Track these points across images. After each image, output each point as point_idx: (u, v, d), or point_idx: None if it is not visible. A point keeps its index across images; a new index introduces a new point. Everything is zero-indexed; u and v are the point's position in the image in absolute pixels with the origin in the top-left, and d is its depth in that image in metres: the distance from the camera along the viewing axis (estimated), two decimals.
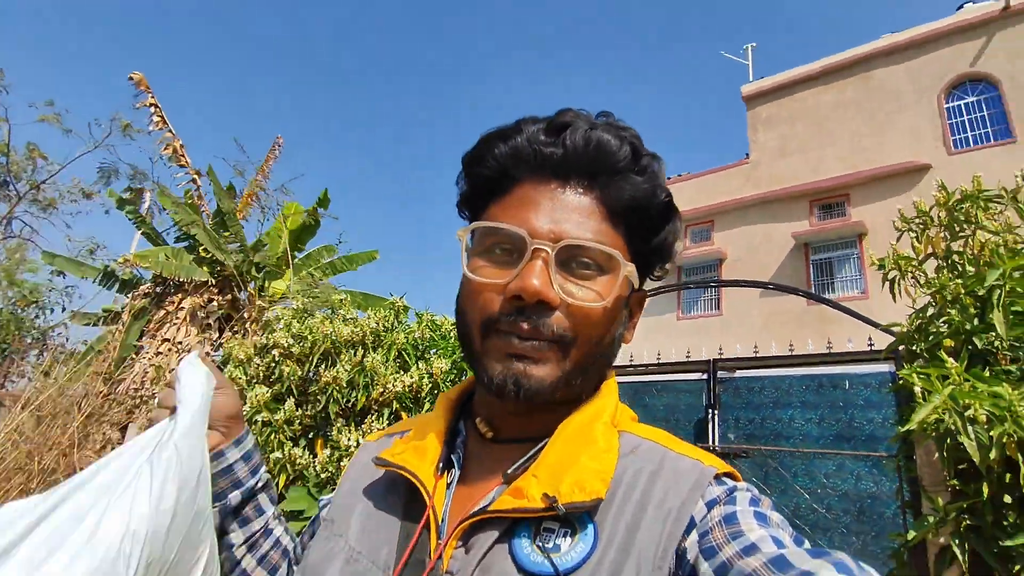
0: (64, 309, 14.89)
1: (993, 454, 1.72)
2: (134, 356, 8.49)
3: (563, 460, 0.53)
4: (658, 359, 6.41)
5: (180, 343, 8.47)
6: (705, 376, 5.50)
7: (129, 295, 9.45)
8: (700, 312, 14.99)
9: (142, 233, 10.02)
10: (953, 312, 2.11)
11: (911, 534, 1.99)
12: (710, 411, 5.36)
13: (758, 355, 5.51)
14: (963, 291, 2.09)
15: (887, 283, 2.50)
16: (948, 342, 2.08)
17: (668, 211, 0.61)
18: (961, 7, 14.34)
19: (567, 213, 0.56)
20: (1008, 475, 1.79)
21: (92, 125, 14.05)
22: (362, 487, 0.65)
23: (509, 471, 0.56)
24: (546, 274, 0.53)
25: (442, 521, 0.56)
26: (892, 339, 2.63)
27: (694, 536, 0.47)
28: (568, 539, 0.49)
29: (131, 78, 9.49)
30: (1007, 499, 1.80)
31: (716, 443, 5.06)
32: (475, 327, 0.57)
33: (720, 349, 6.60)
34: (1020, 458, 1.71)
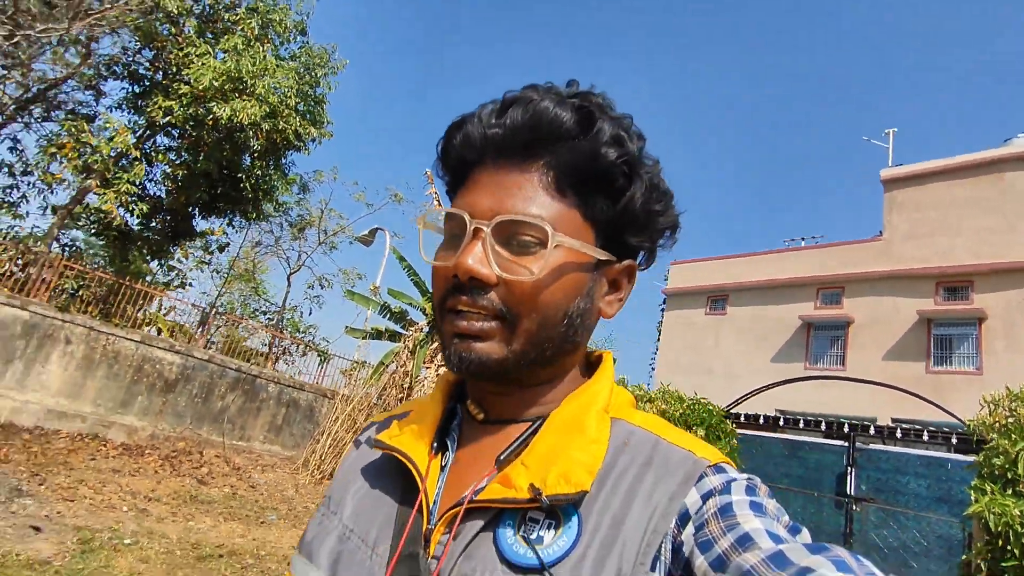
0: (311, 312, 20.05)
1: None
2: (415, 377, 12.54)
3: (553, 450, 0.53)
4: (795, 420, 9.77)
5: None
6: (846, 444, 8.95)
7: (400, 324, 13.65)
8: (826, 365, 17.71)
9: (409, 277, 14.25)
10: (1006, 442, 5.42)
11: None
12: (849, 468, 8.78)
13: (887, 428, 8.84)
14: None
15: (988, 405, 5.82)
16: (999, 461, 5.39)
17: (625, 170, 0.57)
18: None
19: (508, 190, 0.56)
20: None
21: (375, 191, 19.61)
22: (361, 466, 0.66)
23: (501, 456, 0.56)
24: (483, 252, 0.54)
25: (434, 503, 0.57)
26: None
27: (690, 529, 0.47)
28: (552, 531, 0.50)
29: (425, 174, 13.83)
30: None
31: (852, 491, 8.47)
32: (436, 311, 0.59)
33: (850, 423, 9.79)
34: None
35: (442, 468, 0.60)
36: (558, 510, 0.51)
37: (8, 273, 10.42)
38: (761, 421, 10.65)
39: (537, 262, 0.54)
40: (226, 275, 17.19)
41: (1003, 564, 5.11)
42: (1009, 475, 5.50)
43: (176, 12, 10.61)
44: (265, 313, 18.79)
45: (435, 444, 0.61)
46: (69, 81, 11.53)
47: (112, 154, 10.74)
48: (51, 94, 11.77)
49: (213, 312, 13.29)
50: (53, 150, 10.97)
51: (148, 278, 13.91)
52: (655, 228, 0.62)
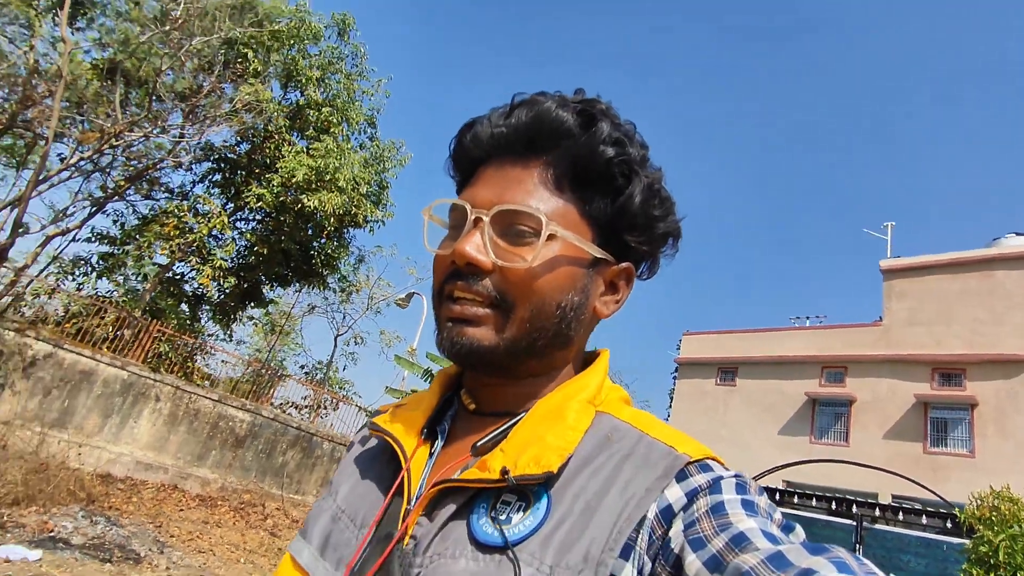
0: (345, 368, 21.41)
1: None
2: None
3: (530, 437, 0.54)
4: (807, 495, 10.97)
5: None
6: (854, 523, 10.20)
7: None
8: (830, 440, 18.88)
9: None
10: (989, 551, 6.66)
11: None
12: (857, 546, 9.99)
13: (891, 507, 10.08)
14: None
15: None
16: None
17: (624, 170, 0.60)
18: None
19: (509, 183, 0.59)
20: None
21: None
22: (359, 453, 0.69)
23: (479, 443, 0.58)
24: (481, 240, 0.56)
25: (419, 488, 0.57)
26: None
27: (678, 526, 0.47)
28: (521, 512, 0.51)
29: None
30: None
31: None
32: (434, 298, 0.61)
33: (854, 495, 10.98)
34: None
35: (430, 455, 0.61)
36: (529, 492, 0.52)
37: (111, 335, 11.76)
38: (776, 497, 11.87)
39: (532, 251, 0.56)
40: (277, 333, 18.59)
41: None
42: (992, 561, 6.73)
43: (274, 114, 12.37)
44: (303, 367, 20.09)
45: (425, 431, 0.63)
46: (165, 161, 13.20)
47: (210, 234, 12.32)
48: (151, 174, 13.42)
49: (278, 372, 14.55)
50: (157, 228, 12.52)
51: (207, 336, 15.27)
52: (654, 232, 0.63)
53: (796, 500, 11.85)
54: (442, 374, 0.71)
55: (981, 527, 7.15)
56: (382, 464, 0.64)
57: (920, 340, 18.26)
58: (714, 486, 0.49)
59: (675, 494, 0.49)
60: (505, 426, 0.59)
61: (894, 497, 15.12)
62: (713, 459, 0.54)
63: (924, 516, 11.46)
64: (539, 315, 0.57)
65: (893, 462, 16.82)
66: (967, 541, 8.56)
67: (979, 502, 7.54)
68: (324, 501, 0.65)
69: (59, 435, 10.43)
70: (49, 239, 12.53)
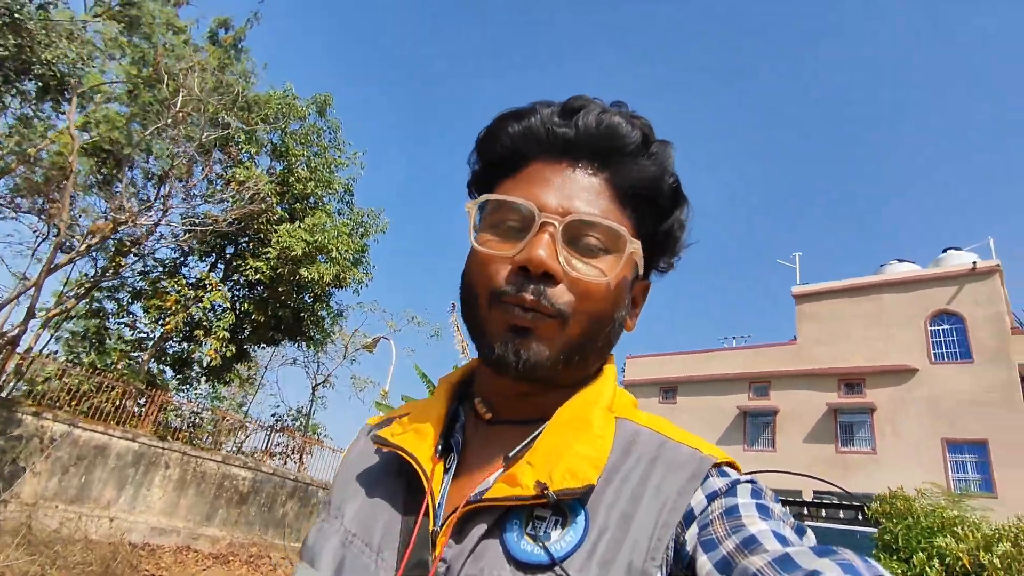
0: (314, 412, 22.30)
1: None
2: None
3: (558, 447, 0.53)
4: None
5: None
6: None
7: None
8: (760, 447, 21.63)
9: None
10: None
11: None
12: None
13: (813, 503, 12.47)
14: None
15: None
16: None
17: (676, 197, 0.63)
18: (946, 251, 21.46)
19: (576, 191, 0.57)
20: None
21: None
22: (360, 469, 0.65)
23: (510, 455, 0.56)
24: (552, 247, 0.54)
25: (439, 507, 0.55)
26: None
27: (694, 528, 0.47)
28: (560, 528, 0.49)
29: (451, 305, 16.87)
30: None
31: None
32: (481, 299, 0.57)
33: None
34: None
35: (446, 470, 0.59)
36: (564, 507, 0.50)
37: (121, 408, 12.39)
38: None
39: (604, 265, 0.56)
40: (256, 386, 19.15)
41: None
42: (894, 547, 9.07)
43: (268, 194, 13.50)
44: (274, 415, 20.75)
45: (439, 446, 0.60)
46: (162, 238, 13.95)
47: (211, 307, 13.27)
48: (146, 250, 14.16)
49: (273, 430, 15.42)
50: (158, 302, 13.33)
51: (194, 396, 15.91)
52: (679, 255, 0.66)
53: None
54: (445, 382, 0.68)
55: (884, 519, 9.48)
56: (391, 480, 0.61)
57: (828, 355, 21.38)
58: (730, 490, 0.51)
59: (697, 498, 0.50)
60: (531, 436, 0.57)
61: (815, 494, 17.76)
62: (731, 463, 0.55)
63: (841, 511, 13.96)
64: (598, 329, 0.58)
65: (812, 462, 19.69)
66: (875, 530, 10.91)
67: (880, 500, 9.91)
68: (328, 524, 0.61)
69: (79, 510, 11.00)
70: (49, 318, 13.09)
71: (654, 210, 0.62)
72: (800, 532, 0.48)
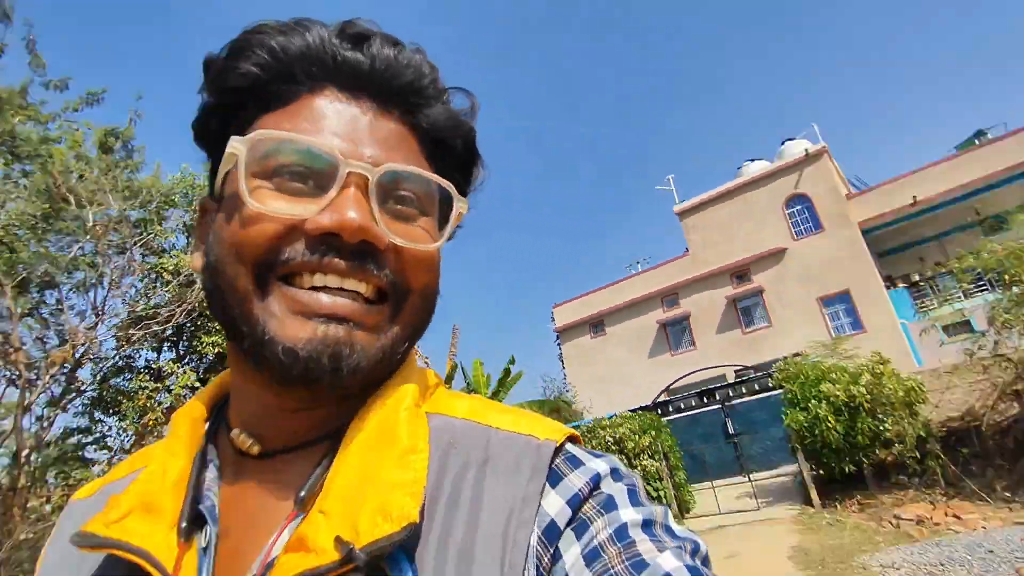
0: None
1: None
2: None
3: (359, 479, 0.40)
4: (687, 399, 16.21)
5: None
6: (721, 406, 15.70)
7: None
8: (684, 349, 25.03)
9: None
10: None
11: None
12: (726, 420, 15.35)
13: (735, 384, 15.63)
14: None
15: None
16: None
17: (475, 153, 0.54)
18: (784, 143, 25.15)
19: (381, 135, 0.45)
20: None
21: None
22: None
23: (297, 500, 0.42)
24: (367, 206, 0.42)
25: None
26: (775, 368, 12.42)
27: (574, 551, 0.39)
28: None
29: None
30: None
31: (732, 431, 15.05)
32: (249, 277, 0.42)
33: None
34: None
35: (203, 550, 0.41)
36: (383, 564, 0.37)
37: None
38: (671, 409, 16.98)
39: (429, 227, 0.46)
40: None
41: (805, 444, 11.41)
42: (794, 401, 11.92)
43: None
44: None
45: (185, 519, 0.42)
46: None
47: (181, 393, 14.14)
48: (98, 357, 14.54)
49: None
50: (131, 404, 14.01)
51: None
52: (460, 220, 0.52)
53: (681, 404, 17.11)
54: (184, 417, 0.49)
55: (785, 383, 12.32)
56: None
57: (716, 257, 24.81)
58: (598, 492, 0.42)
59: (555, 506, 0.41)
60: (318, 470, 0.43)
61: (736, 373, 21.18)
62: (573, 439, 0.47)
63: (756, 384, 17.18)
64: (427, 308, 0.48)
65: (727, 348, 23.26)
66: (780, 392, 13.94)
67: (779, 369, 12.76)
68: None
69: None
70: (31, 452, 13.54)
71: (453, 162, 0.52)
72: (665, 521, 0.42)
